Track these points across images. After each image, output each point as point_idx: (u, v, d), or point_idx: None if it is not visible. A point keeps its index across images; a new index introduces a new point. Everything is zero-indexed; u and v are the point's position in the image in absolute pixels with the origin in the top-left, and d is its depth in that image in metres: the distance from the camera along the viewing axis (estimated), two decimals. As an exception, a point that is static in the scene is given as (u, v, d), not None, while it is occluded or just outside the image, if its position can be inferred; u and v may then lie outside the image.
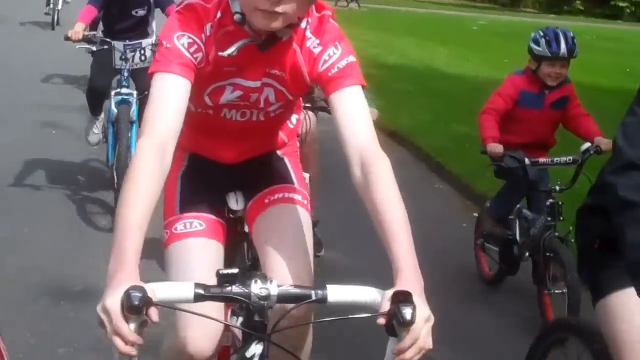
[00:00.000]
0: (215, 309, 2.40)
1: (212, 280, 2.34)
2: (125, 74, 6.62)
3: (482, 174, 6.78)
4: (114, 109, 6.49)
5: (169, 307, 1.90)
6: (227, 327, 2.63)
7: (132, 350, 1.78)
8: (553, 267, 5.05)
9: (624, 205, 2.39)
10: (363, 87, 2.38)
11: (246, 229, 2.92)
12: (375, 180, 2.14)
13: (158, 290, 1.86)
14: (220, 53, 2.39)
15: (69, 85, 10.76)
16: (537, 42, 5.28)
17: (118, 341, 1.77)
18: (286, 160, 2.92)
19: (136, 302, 1.76)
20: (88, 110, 7.04)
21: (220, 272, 1.94)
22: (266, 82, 2.52)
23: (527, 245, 5.31)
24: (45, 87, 10.51)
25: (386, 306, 1.87)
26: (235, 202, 2.84)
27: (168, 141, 2.17)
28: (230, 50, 2.39)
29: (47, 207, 6.56)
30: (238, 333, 2.79)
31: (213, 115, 2.62)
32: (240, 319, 2.67)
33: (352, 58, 2.41)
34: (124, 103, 6.50)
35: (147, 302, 1.79)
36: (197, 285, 1.91)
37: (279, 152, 2.92)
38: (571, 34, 5.27)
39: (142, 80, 6.64)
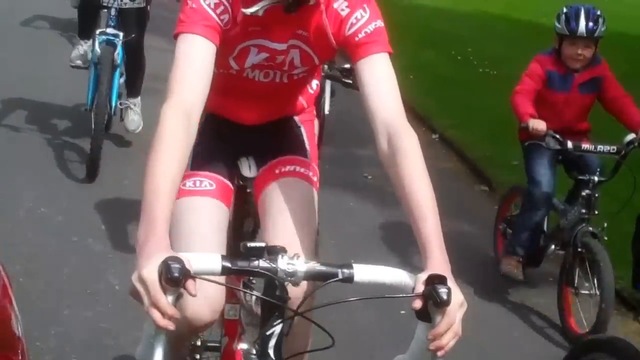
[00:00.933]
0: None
1: (217, 242, 2.49)
2: (113, 12, 6.07)
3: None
4: (98, 50, 6.00)
5: (205, 279, 1.84)
6: (235, 299, 2.61)
7: (170, 324, 1.72)
8: (582, 264, 4.68)
9: None
10: (390, 54, 2.32)
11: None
12: (403, 156, 2.09)
13: (192, 262, 1.80)
14: (243, 10, 2.29)
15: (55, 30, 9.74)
16: (558, 19, 4.87)
17: (156, 314, 1.72)
18: (303, 130, 2.81)
19: (176, 274, 1.71)
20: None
21: (248, 245, 1.90)
22: (293, 44, 2.43)
23: (555, 237, 4.93)
24: (29, 31, 9.47)
25: (420, 288, 1.83)
26: (247, 169, 2.76)
27: (194, 107, 2.10)
28: (255, 8, 2.29)
29: (21, 151, 6.15)
30: (248, 308, 2.78)
31: (236, 76, 2.53)
32: (255, 293, 2.54)
33: (380, 23, 2.34)
34: (108, 44, 6.01)
35: (186, 274, 1.74)
36: (224, 257, 1.87)
37: (296, 119, 2.81)
38: (597, 12, 4.80)
39: (130, 21, 6.16)
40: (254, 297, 2.67)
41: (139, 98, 6.39)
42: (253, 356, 2.00)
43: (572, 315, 4.70)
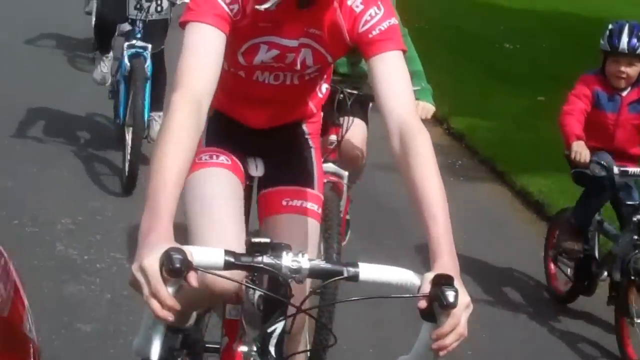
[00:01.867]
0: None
1: (233, 207, 2.51)
2: (140, 24, 5.98)
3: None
4: (127, 63, 5.94)
5: (207, 272, 1.83)
6: (237, 299, 2.58)
7: (169, 315, 1.71)
8: (637, 292, 4.55)
9: None
10: (404, 52, 2.32)
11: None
12: (415, 157, 2.09)
13: (195, 254, 1.79)
14: (257, 6, 2.30)
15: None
16: (603, 35, 4.69)
17: (155, 304, 1.70)
18: (313, 153, 2.83)
19: (178, 265, 1.69)
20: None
21: (252, 240, 1.89)
22: (304, 42, 2.43)
23: (607, 263, 4.77)
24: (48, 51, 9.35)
25: (427, 289, 1.81)
26: (254, 168, 2.79)
27: (204, 96, 2.09)
28: (268, 4, 2.29)
29: (51, 163, 6.15)
30: (249, 307, 2.78)
31: (245, 78, 2.54)
32: (257, 293, 2.62)
33: (394, 20, 2.34)
34: (137, 57, 5.94)
35: (188, 265, 1.72)
36: (227, 252, 1.84)
37: (304, 127, 2.84)
38: None
39: (155, 33, 6.05)
40: (256, 294, 2.66)
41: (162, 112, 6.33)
42: (254, 353, 1.95)
43: (630, 344, 4.54)
